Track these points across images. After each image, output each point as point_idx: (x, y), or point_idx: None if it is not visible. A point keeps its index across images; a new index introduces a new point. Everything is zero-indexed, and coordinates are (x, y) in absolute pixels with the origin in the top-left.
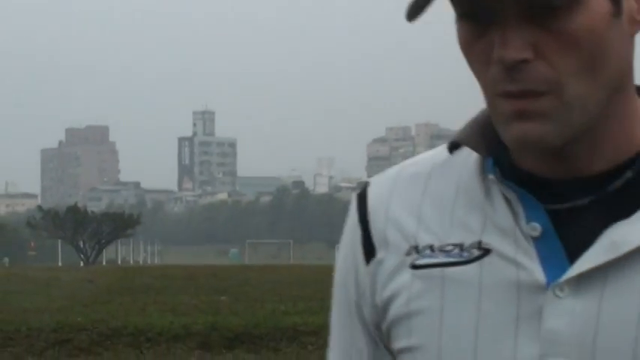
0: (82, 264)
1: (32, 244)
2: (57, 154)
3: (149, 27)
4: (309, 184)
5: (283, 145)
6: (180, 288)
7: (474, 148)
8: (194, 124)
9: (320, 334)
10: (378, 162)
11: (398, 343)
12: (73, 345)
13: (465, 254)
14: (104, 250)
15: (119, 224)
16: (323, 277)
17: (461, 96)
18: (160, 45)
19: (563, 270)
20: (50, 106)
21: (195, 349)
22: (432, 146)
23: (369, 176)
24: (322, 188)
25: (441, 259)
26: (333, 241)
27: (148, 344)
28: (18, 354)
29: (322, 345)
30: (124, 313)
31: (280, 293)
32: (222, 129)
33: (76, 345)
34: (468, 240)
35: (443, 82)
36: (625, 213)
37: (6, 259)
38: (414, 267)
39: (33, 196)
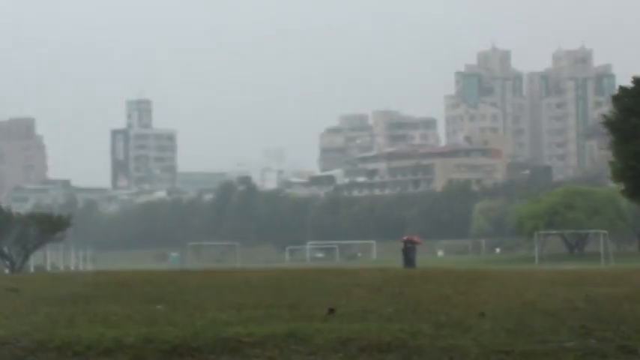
0: (7, 271)
1: None
2: None
3: (79, 7)
4: (256, 179)
5: (227, 137)
6: (112, 296)
7: None
8: (129, 115)
9: (265, 346)
10: (332, 154)
11: None
12: None
13: None
14: (31, 256)
15: (47, 227)
16: (270, 282)
17: (424, 80)
18: (88, 27)
19: None
20: None
21: None
22: (391, 136)
23: (323, 170)
24: (271, 184)
25: None
26: (283, 243)
27: (76, 359)
28: None
29: (268, 358)
30: (50, 324)
31: (222, 300)
32: (160, 120)
33: None
34: None
35: (403, 64)
36: None
37: None
38: None
39: None
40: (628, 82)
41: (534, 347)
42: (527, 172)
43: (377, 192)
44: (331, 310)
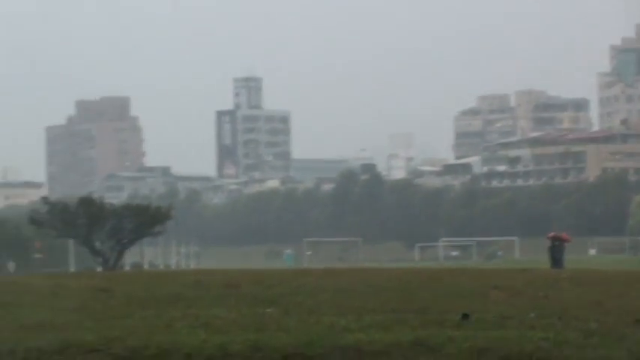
0: (100, 269)
1: (38, 245)
2: (66, 133)
3: None
4: (381, 167)
5: (348, 119)
6: (217, 298)
7: None
8: (236, 95)
9: (390, 355)
10: (468, 139)
11: None
12: None
13: None
14: (127, 253)
15: (145, 220)
16: (397, 283)
17: (574, 56)
18: None
19: None
20: (57, 74)
21: None
22: (536, 119)
23: (458, 157)
24: (398, 173)
25: None
26: (412, 239)
27: None
28: None
29: None
30: (146, 329)
31: (341, 304)
32: (272, 100)
33: None
34: None
35: (550, 38)
36: None
37: (12, 264)
38: None
39: (37, 185)
40: None
41: None
42: None
43: (519, 182)
44: (465, 316)
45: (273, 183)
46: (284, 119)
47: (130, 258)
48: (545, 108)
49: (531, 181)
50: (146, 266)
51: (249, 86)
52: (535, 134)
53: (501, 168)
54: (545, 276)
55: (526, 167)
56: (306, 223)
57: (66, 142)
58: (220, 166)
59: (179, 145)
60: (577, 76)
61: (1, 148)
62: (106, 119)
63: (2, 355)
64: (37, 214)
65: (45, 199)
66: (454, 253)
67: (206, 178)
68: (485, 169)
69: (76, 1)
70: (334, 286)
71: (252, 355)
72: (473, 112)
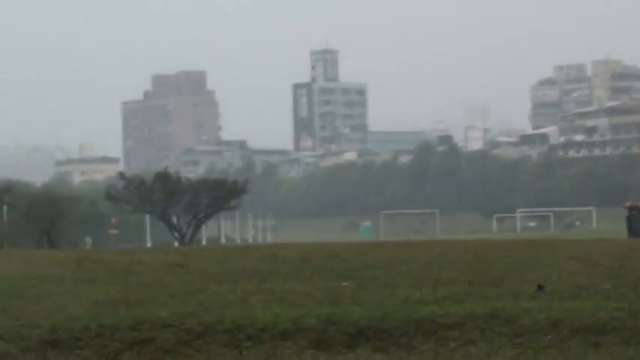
0: (176, 244)
1: (114, 220)
2: (142, 108)
3: None
4: (458, 138)
5: (425, 90)
6: (292, 272)
7: None
8: (312, 67)
9: (464, 327)
10: (545, 109)
11: None
12: (154, 346)
13: None
14: (203, 227)
15: (221, 194)
16: (472, 255)
17: None
18: None
19: None
20: (133, 48)
21: (307, 349)
22: (613, 89)
23: (535, 127)
24: (475, 144)
25: None
26: (489, 210)
27: (249, 343)
28: (87, 357)
29: (467, 340)
30: (220, 304)
31: (416, 276)
32: (348, 72)
33: (159, 346)
34: None
35: (626, 6)
36: None
37: (88, 240)
38: None
39: (113, 160)
40: None
41: None
42: None
43: (597, 152)
44: (540, 287)
45: (350, 155)
46: (360, 91)
47: (207, 232)
48: (621, 77)
49: (608, 151)
50: (223, 240)
51: (326, 59)
52: (612, 104)
53: (578, 138)
54: (621, 246)
55: (603, 137)
56: (383, 195)
57: (142, 116)
58: (297, 139)
59: (255, 118)
60: None
61: (77, 124)
62: (182, 93)
63: (76, 332)
64: (114, 189)
65: (121, 175)
66: (532, 224)
67: (283, 152)
68: (562, 139)
69: None
70: (410, 258)
71: (326, 328)
72: (550, 82)
